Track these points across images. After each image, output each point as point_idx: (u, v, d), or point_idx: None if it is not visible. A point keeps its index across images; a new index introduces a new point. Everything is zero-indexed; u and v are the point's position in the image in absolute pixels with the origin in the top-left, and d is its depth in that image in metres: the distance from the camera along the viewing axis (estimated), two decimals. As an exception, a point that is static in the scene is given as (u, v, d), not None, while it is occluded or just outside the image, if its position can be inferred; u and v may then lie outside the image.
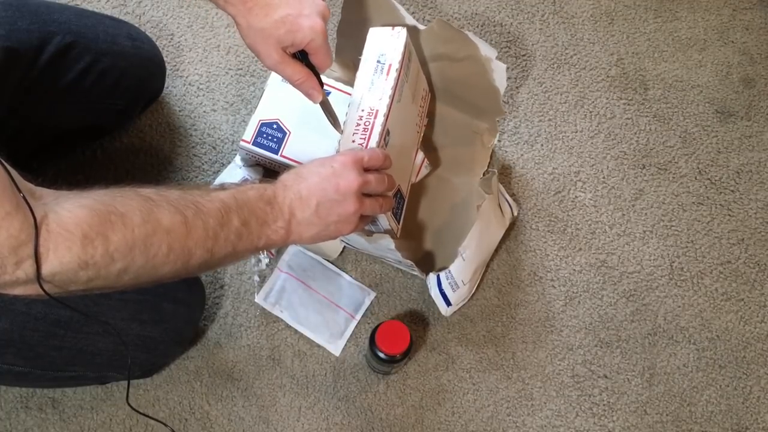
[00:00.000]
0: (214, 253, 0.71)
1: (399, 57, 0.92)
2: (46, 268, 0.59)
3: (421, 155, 1.06)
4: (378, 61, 0.92)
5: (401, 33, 0.93)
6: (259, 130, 1.05)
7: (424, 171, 1.09)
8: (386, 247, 0.98)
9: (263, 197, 0.76)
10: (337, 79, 1.11)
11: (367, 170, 0.81)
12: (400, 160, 0.96)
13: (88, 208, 0.61)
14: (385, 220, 0.92)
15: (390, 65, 0.91)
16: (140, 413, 0.95)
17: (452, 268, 1.00)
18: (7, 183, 0.57)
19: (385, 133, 0.89)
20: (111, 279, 0.64)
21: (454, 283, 1.02)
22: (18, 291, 0.61)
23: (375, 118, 0.88)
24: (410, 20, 1.03)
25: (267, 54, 0.84)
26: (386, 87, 0.90)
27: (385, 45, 0.93)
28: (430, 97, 1.11)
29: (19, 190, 0.57)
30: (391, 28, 0.94)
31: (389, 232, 0.95)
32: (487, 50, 1.02)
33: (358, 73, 0.92)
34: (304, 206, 0.77)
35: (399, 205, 0.97)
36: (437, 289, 1.03)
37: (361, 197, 0.80)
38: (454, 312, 1.08)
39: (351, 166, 0.79)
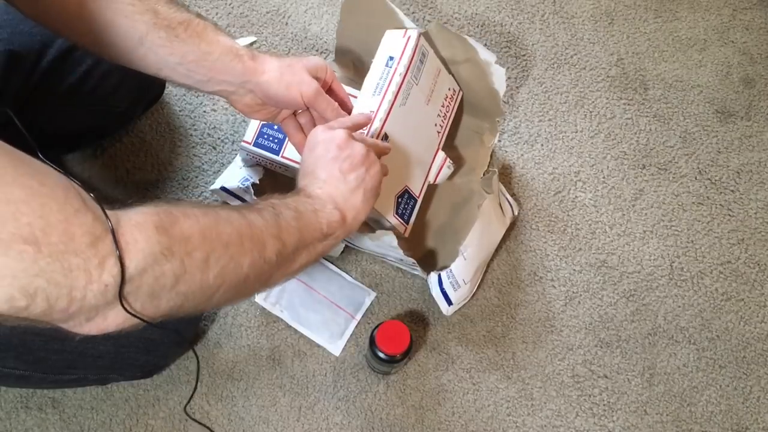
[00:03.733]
0: (284, 242, 0.68)
1: (405, 60, 0.92)
2: (132, 263, 0.54)
3: (442, 155, 1.05)
4: (387, 65, 0.93)
5: (412, 35, 0.93)
6: (260, 131, 1.05)
7: (446, 171, 1.07)
8: (389, 244, 0.98)
9: (299, 195, 0.75)
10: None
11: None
12: (409, 161, 0.96)
13: (151, 207, 0.59)
14: (395, 221, 0.93)
15: (396, 69, 0.91)
16: (195, 420, 0.98)
17: (453, 267, 1.00)
18: (71, 184, 0.54)
19: (382, 136, 0.90)
20: (197, 276, 0.60)
21: (455, 282, 1.02)
22: (111, 317, 0.55)
23: (374, 120, 0.89)
24: (408, 23, 1.03)
25: (308, 80, 0.82)
26: (388, 91, 0.90)
27: (395, 48, 0.93)
28: (461, 95, 1.09)
29: (83, 194, 0.54)
30: (404, 30, 0.94)
31: (394, 230, 0.95)
32: (486, 54, 1.02)
33: (368, 76, 0.93)
34: (334, 183, 0.76)
35: (408, 204, 0.97)
36: (438, 288, 1.03)
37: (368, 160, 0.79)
38: (455, 312, 1.08)
39: (347, 138, 0.78)
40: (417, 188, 1.00)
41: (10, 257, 0.48)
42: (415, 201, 0.99)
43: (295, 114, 0.89)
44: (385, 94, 0.90)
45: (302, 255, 0.72)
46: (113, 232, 0.53)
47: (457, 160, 1.16)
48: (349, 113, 0.88)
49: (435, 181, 1.04)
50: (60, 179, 0.53)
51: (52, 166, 0.54)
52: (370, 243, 1.01)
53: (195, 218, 0.61)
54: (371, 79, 0.93)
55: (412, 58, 0.92)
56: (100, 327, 0.56)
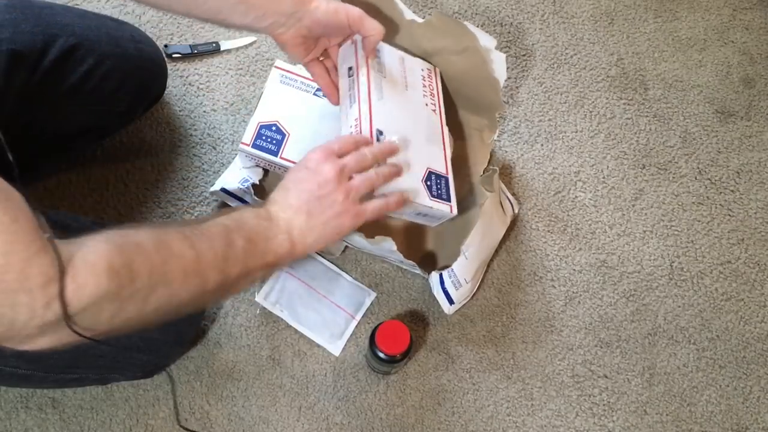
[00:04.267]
0: (227, 274, 0.72)
1: (361, 62, 0.93)
2: (75, 304, 0.58)
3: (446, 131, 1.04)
4: (348, 76, 0.94)
5: (357, 39, 0.94)
6: (258, 132, 1.05)
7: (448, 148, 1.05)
8: (388, 249, 0.99)
9: (260, 216, 0.77)
10: None
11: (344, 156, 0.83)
12: (418, 144, 0.96)
13: (106, 242, 0.62)
14: (437, 204, 0.93)
15: (357, 73, 0.93)
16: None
17: (455, 266, 1.00)
18: (34, 223, 0.56)
19: (376, 134, 0.90)
20: (134, 312, 0.64)
21: (456, 281, 1.02)
22: (44, 341, 0.59)
23: (361, 124, 0.89)
24: (409, 14, 1.03)
25: (350, 8, 0.86)
26: (359, 94, 0.92)
27: (348, 57, 0.95)
28: (437, 71, 1.08)
29: (45, 231, 0.57)
30: (351, 40, 0.95)
31: (445, 216, 0.95)
32: (486, 40, 1.02)
33: (340, 93, 0.94)
34: (297, 214, 0.79)
35: (440, 184, 0.95)
36: (440, 287, 1.03)
37: (345, 182, 0.80)
38: (456, 311, 1.08)
39: (323, 159, 0.81)
40: (441, 166, 0.97)
41: None
42: (446, 178, 0.96)
43: (320, 60, 0.94)
44: (359, 100, 0.91)
45: (241, 282, 0.76)
46: (63, 275, 0.57)
47: (457, 159, 1.16)
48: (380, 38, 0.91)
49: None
50: (28, 214, 0.56)
51: (22, 194, 0.57)
52: (370, 246, 1.01)
53: (146, 256, 0.64)
54: (343, 95, 0.94)
55: (366, 58, 0.93)
56: (32, 347, 0.60)
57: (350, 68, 0.94)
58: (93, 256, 0.60)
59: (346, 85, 0.95)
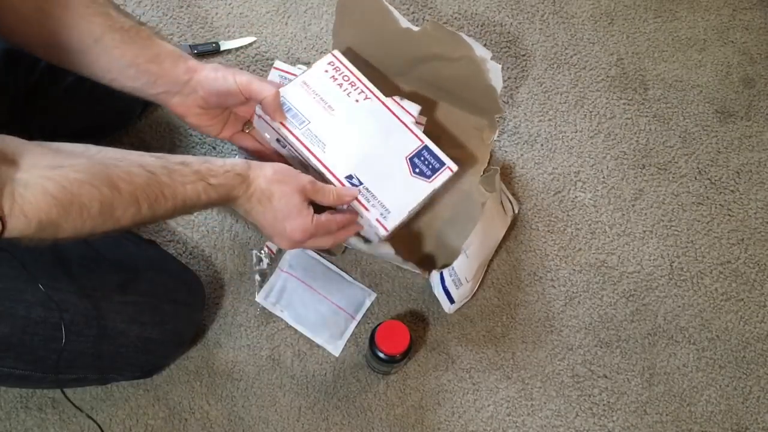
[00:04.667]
0: (155, 214, 0.77)
1: (279, 128, 0.93)
2: (13, 232, 0.64)
3: (415, 108, 1.01)
4: (282, 146, 0.95)
5: (258, 110, 0.94)
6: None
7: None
8: (386, 253, 0.99)
9: (235, 185, 0.83)
10: None
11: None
12: (386, 147, 0.96)
13: (52, 196, 0.65)
14: (373, 234, 0.94)
15: (285, 140, 0.93)
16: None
17: (456, 265, 1.00)
18: None
19: (347, 180, 0.92)
20: (70, 233, 0.70)
21: (457, 280, 1.02)
22: None
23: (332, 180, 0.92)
24: (404, 22, 1.03)
25: (239, 73, 0.87)
26: (305, 158, 0.93)
27: (266, 129, 0.96)
28: (336, 54, 1.02)
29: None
30: (257, 115, 0.95)
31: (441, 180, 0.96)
32: (481, 51, 1.02)
33: (291, 163, 0.95)
34: (263, 200, 0.85)
35: (425, 158, 0.96)
36: (441, 286, 1.03)
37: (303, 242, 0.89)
38: (456, 310, 1.08)
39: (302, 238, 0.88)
40: (413, 144, 0.97)
41: None
42: (425, 147, 0.97)
43: (243, 130, 0.96)
44: (309, 163, 0.93)
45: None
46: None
47: (458, 158, 1.16)
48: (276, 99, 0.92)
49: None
50: None
51: None
52: (367, 249, 1.01)
53: (83, 220, 0.69)
54: (294, 164, 0.95)
55: (280, 122, 0.93)
56: None
57: (278, 139, 0.94)
58: (30, 207, 0.64)
59: (288, 153, 0.96)
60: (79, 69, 0.84)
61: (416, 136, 0.97)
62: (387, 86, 1.01)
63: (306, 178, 0.88)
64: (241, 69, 0.91)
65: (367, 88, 0.98)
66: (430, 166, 0.96)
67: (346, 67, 0.98)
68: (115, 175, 0.71)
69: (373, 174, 0.93)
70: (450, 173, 0.96)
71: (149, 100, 0.90)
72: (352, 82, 0.98)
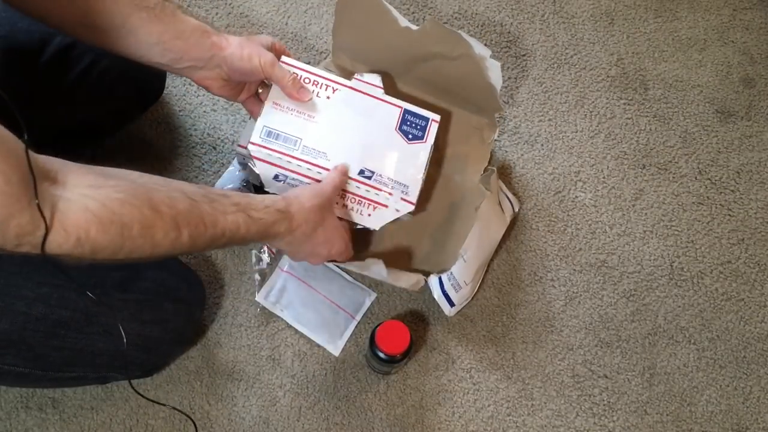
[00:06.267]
0: (195, 244, 0.76)
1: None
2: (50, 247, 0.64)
3: (377, 78, 1.02)
4: (285, 142, 0.95)
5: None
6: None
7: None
8: (378, 273, 0.99)
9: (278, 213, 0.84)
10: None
11: None
12: (367, 132, 0.98)
13: (92, 213, 0.65)
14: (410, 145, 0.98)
15: (278, 135, 0.95)
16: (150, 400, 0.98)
17: (454, 269, 1.00)
18: (25, 176, 0.60)
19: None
20: (104, 257, 0.69)
21: (456, 284, 1.02)
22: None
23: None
24: (403, 21, 1.03)
25: (265, 52, 0.89)
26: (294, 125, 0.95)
27: (271, 125, 0.96)
28: (284, 59, 1.01)
29: (35, 182, 0.61)
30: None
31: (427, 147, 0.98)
32: (480, 49, 1.02)
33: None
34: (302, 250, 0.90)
35: (412, 123, 0.99)
36: (440, 290, 1.03)
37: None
38: (456, 312, 1.08)
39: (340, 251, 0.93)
40: (393, 116, 0.98)
41: None
42: (405, 109, 0.99)
43: (257, 95, 0.97)
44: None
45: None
46: (45, 236, 0.62)
47: (454, 157, 1.16)
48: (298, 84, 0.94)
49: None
50: (22, 169, 0.60)
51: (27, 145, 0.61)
52: (358, 270, 1.02)
53: (124, 238, 0.68)
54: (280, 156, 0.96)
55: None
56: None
57: (276, 176, 0.96)
58: (70, 222, 0.64)
59: (276, 145, 0.97)
60: (111, 48, 0.85)
61: (392, 104, 0.99)
62: (386, 84, 1.02)
63: (330, 190, 0.90)
64: (259, 39, 0.92)
65: (329, 79, 0.98)
66: (418, 126, 0.98)
67: (301, 69, 0.97)
68: (157, 199, 0.71)
69: (378, 159, 0.96)
70: (437, 124, 0.99)
71: (176, 74, 0.92)
72: (315, 81, 0.97)
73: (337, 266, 1.12)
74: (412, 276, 1.02)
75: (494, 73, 1.03)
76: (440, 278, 1.01)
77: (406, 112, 0.98)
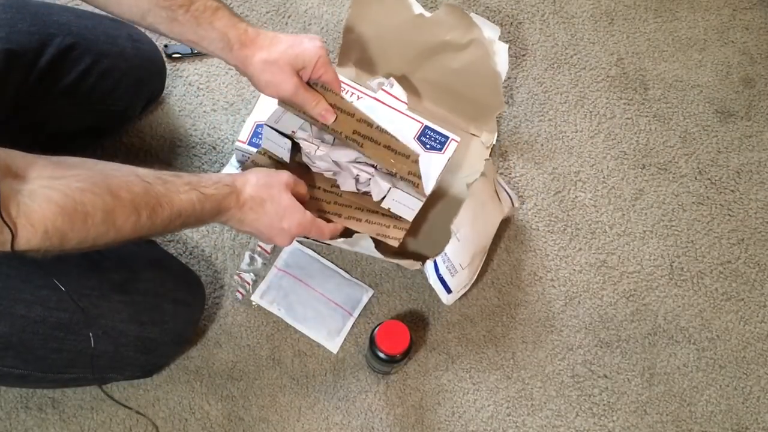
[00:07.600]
0: (155, 226, 0.78)
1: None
2: (21, 242, 0.66)
3: (403, 93, 1.04)
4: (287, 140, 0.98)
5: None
6: (254, 131, 1.05)
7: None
8: (366, 248, 0.99)
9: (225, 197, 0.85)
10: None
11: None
12: (392, 119, 0.99)
13: (56, 204, 0.66)
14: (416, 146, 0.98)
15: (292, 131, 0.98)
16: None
17: (448, 249, 0.99)
18: None
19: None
20: (72, 247, 0.71)
21: (451, 266, 1.01)
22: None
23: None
24: (418, 8, 1.05)
25: (287, 80, 0.88)
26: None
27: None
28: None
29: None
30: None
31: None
32: (490, 30, 1.03)
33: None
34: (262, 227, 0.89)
35: (429, 137, 1.00)
36: (435, 275, 1.01)
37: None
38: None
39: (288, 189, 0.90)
40: (415, 124, 1.00)
41: None
42: (426, 126, 1.00)
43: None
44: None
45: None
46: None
47: (454, 161, 1.16)
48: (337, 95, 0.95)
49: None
50: None
51: None
52: (346, 246, 1.02)
53: (88, 228, 0.70)
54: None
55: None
56: None
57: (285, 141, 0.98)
58: (36, 216, 0.65)
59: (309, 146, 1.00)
60: (179, 36, 0.87)
61: (414, 119, 1.00)
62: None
63: (285, 174, 0.90)
64: (292, 59, 0.89)
65: (355, 88, 0.99)
66: (437, 141, 0.99)
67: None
68: (114, 184, 0.73)
69: None
70: (456, 143, 1.00)
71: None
72: (341, 88, 0.98)
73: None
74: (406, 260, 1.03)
75: (501, 57, 1.05)
76: (435, 262, 1.00)
77: (427, 128, 1.00)
